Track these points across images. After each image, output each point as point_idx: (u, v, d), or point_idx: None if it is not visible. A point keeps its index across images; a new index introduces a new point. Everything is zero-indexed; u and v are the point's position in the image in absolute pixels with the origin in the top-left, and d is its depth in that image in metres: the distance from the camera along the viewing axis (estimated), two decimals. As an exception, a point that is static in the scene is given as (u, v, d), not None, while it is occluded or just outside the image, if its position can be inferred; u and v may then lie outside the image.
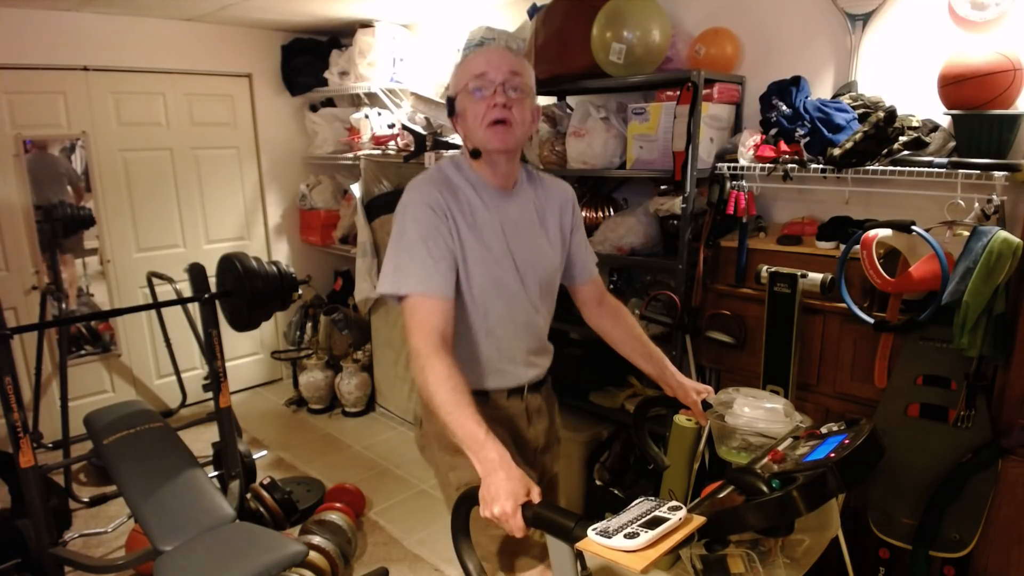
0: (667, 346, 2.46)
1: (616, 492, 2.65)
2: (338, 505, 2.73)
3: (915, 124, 2.03)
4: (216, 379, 2.61)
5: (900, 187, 2.06)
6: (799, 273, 2.10)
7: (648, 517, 0.98)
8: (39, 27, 3.33)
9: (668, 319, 2.46)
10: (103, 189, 3.70)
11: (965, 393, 1.84)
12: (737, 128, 2.52)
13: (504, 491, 1.11)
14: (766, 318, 2.19)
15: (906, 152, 1.98)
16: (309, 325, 4.32)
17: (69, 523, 2.84)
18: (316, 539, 2.41)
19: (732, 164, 2.35)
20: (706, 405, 1.54)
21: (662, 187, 2.62)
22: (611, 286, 2.94)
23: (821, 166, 2.12)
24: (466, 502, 1.20)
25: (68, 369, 3.21)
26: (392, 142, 3.65)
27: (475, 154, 1.43)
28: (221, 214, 4.19)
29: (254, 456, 3.08)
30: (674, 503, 1.01)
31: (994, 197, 1.85)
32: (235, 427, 2.77)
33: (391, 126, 3.71)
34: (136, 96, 3.74)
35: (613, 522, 0.98)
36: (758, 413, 1.41)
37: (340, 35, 4.25)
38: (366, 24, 3.80)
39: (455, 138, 3.20)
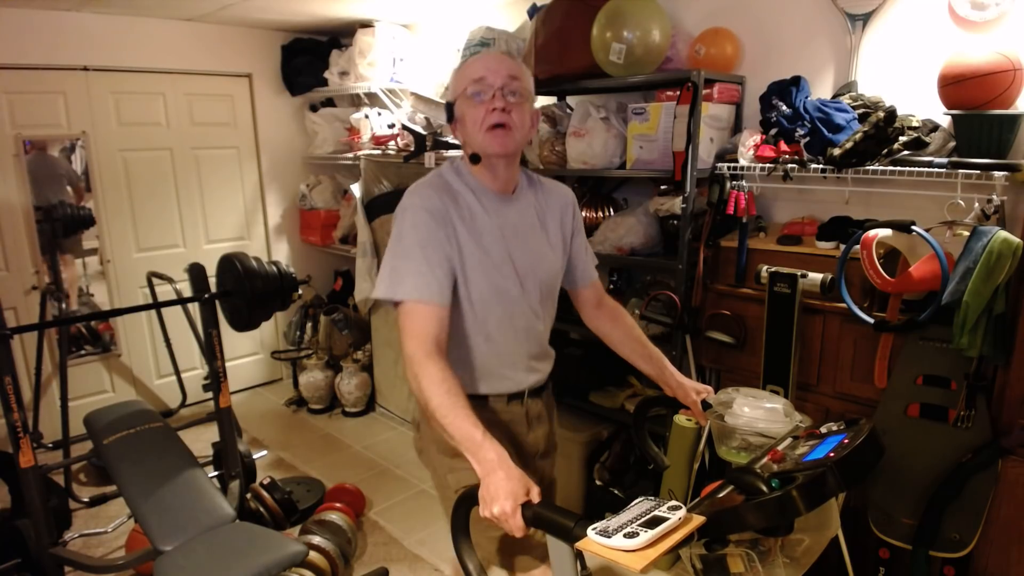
0: (667, 346, 2.46)
1: (616, 492, 2.65)
2: (338, 505, 2.73)
3: (915, 124, 2.03)
4: (216, 379, 2.61)
5: (900, 187, 2.06)
6: (799, 273, 2.10)
7: (648, 517, 0.98)
8: (39, 27, 3.33)
9: (668, 319, 2.46)
10: (103, 189, 3.70)
11: (965, 393, 1.84)
12: (737, 128, 2.52)
13: (504, 491, 1.11)
14: (766, 318, 2.19)
15: (906, 152, 1.98)
16: (309, 325, 4.32)
17: (69, 523, 2.84)
18: (316, 539, 2.41)
19: (732, 164, 2.35)
20: (706, 405, 1.54)
21: (662, 187, 2.62)
22: (611, 286, 2.94)
23: (821, 166, 2.12)
24: (466, 502, 1.20)
25: (68, 369, 3.21)
26: (392, 142, 3.65)
27: (475, 159, 1.43)
28: (221, 214, 4.19)
29: (254, 456, 3.08)
30: (674, 503, 1.01)
31: (994, 197, 1.85)
32: (235, 427, 2.77)
33: (391, 126, 3.72)
34: (136, 96, 3.74)
35: (613, 522, 0.98)
36: (758, 413, 1.41)
37: (340, 35, 4.25)
38: (366, 24, 3.80)
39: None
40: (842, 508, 1.86)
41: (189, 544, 1.94)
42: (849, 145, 2.02)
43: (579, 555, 1.07)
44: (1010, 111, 1.85)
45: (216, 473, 2.85)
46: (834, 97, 2.23)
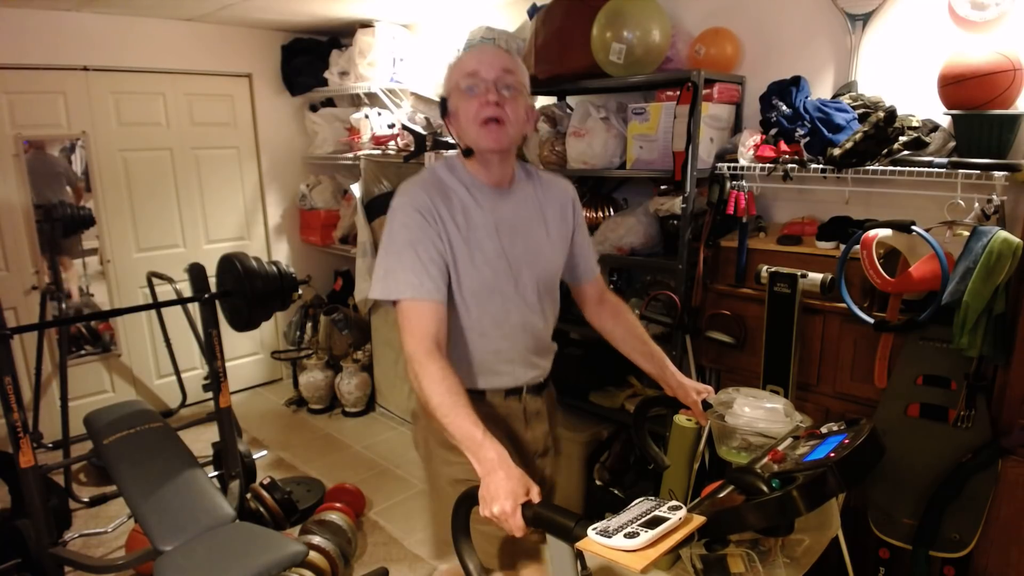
0: (667, 346, 2.46)
1: (616, 492, 2.65)
2: (338, 505, 2.73)
3: (915, 124, 2.03)
4: (216, 379, 2.61)
5: (900, 187, 2.06)
6: (799, 273, 2.10)
7: (648, 517, 0.98)
8: (39, 27, 3.33)
9: (668, 319, 2.46)
10: (103, 189, 3.70)
11: (965, 393, 1.84)
12: (737, 128, 2.52)
13: (504, 490, 1.11)
14: (766, 318, 2.19)
15: (906, 152, 1.98)
16: (309, 325, 4.32)
17: (69, 523, 2.84)
18: (316, 539, 2.41)
19: (732, 164, 2.35)
20: (706, 405, 1.53)
21: (662, 187, 2.62)
22: (611, 286, 2.94)
23: (821, 166, 2.12)
24: (466, 502, 1.20)
25: (68, 369, 3.21)
26: (392, 142, 3.65)
27: (467, 153, 1.43)
28: (221, 214, 4.19)
29: (254, 456, 3.08)
30: (674, 503, 1.01)
31: (994, 197, 1.85)
32: (235, 427, 2.77)
33: (391, 126, 3.72)
34: (136, 96, 3.74)
35: (613, 522, 0.98)
36: (758, 413, 1.41)
37: (340, 35, 4.25)
38: (366, 24, 3.80)
39: (455, 138, 3.19)
40: (842, 508, 1.86)
41: (189, 544, 1.94)
42: (849, 145, 2.02)
43: (579, 555, 1.07)
44: (1010, 111, 1.85)
45: (216, 473, 2.85)
46: (834, 97, 2.23)
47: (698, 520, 1.01)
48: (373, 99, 4.01)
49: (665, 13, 2.41)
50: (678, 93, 2.30)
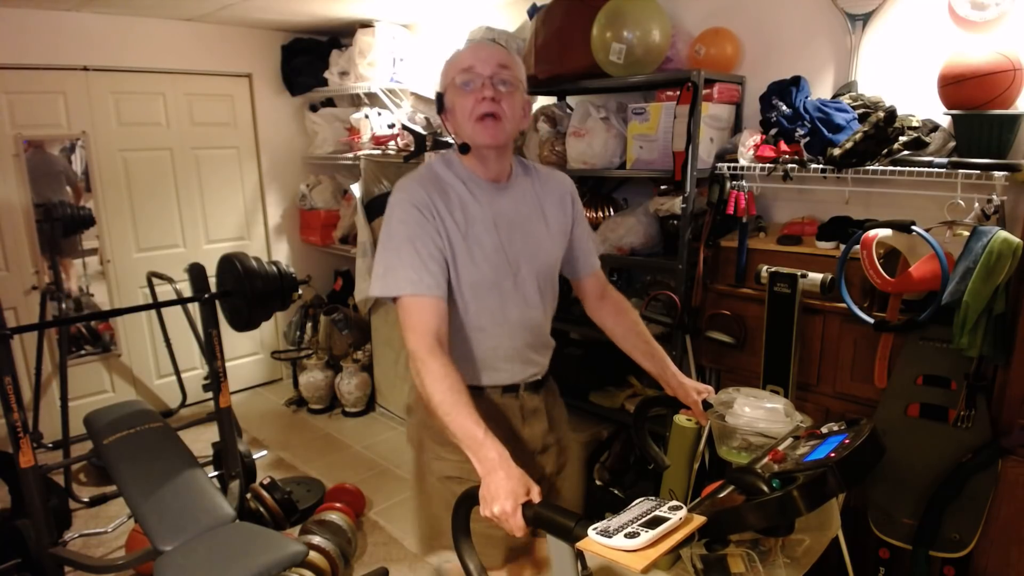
0: (667, 346, 2.45)
1: (616, 492, 2.65)
2: (338, 505, 2.73)
3: (915, 124, 2.03)
4: (216, 379, 2.61)
5: (900, 187, 2.06)
6: (799, 273, 2.10)
7: (648, 517, 0.98)
8: (39, 27, 3.33)
9: (668, 319, 2.46)
10: (103, 189, 3.69)
11: (965, 393, 1.84)
12: (737, 128, 2.53)
13: (504, 490, 1.11)
14: (766, 318, 2.19)
15: (906, 152, 1.98)
16: (309, 325, 4.32)
17: (69, 523, 2.84)
18: (316, 539, 2.41)
19: (732, 164, 2.35)
20: (706, 405, 1.53)
21: (662, 187, 2.62)
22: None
23: (821, 166, 2.12)
24: (466, 502, 1.20)
25: (68, 369, 3.21)
26: (392, 142, 3.65)
27: (464, 148, 1.42)
28: (221, 214, 4.19)
29: (254, 456, 3.08)
30: (674, 503, 1.01)
31: (994, 197, 1.85)
32: (235, 427, 2.77)
33: (391, 126, 3.71)
34: (136, 96, 3.74)
35: (613, 522, 0.98)
36: (758, 413, 1.41)
37: (340, 35, 4.25)
38: (366, 24, 3.80)
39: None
40: (842, 508, 1.86)
41: (189, 544, 1.94)
42: (849, 145, 2.02)
43: (580, 555, 1.07)
44: (1010, 111, 1.85)
45: (216, 473, 2.85)
46: (834, 97, 2.23)
47: (698, 520, 1.01)
48: (373, 99, 4.00)
49: (665, 13, 2.41)
50: (678, 93, 2.31)
